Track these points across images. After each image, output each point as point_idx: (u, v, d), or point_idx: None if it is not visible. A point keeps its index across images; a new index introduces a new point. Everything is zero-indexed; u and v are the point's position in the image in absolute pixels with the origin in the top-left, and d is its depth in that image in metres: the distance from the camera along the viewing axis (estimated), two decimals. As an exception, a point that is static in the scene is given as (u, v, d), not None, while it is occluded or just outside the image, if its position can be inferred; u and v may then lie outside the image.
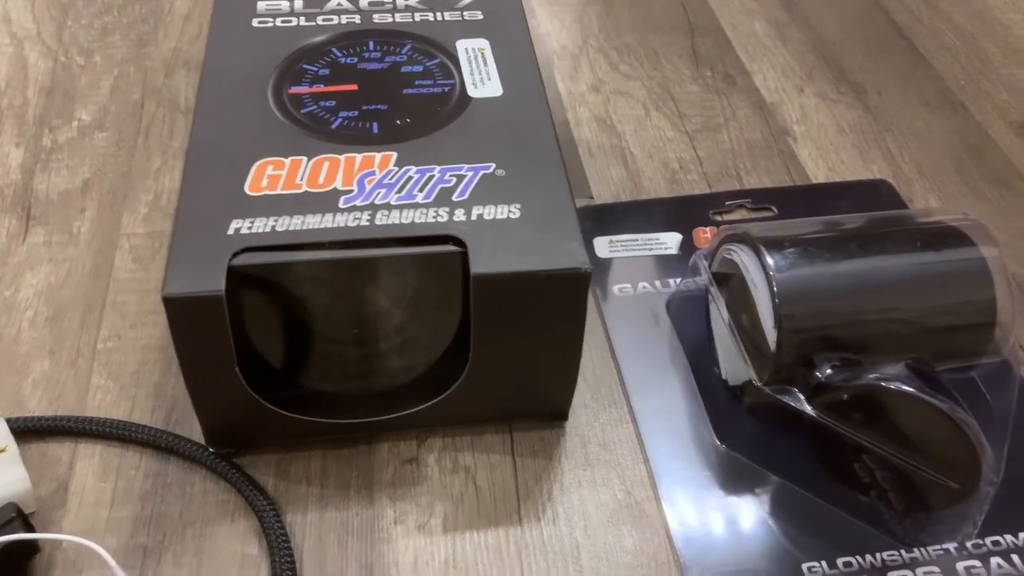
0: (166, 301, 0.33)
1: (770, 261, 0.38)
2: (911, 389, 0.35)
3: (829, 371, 0.36)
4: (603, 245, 0.49)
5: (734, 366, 0.40)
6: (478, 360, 0.36)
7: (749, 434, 0.40)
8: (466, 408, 0.39)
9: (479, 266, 0.34)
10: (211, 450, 0.39)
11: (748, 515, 0.38)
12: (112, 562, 0.34)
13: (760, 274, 0.38)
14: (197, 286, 0.33)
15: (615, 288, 0.47)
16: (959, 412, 0.35)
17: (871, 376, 0.36)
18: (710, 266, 0.42)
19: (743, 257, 0.39)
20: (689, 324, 0.45)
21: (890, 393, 0.35)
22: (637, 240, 0.49)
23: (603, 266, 0.48)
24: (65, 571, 0.35)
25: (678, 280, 0.47)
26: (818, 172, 0.54)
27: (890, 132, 0.57)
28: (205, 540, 0.37)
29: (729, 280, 0.41)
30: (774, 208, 0.51)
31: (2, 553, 0.34)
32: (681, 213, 0.51)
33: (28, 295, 0.46)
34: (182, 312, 0.33)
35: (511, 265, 0.34)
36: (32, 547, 0.35)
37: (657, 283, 0.47)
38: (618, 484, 0.39)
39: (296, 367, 0.38)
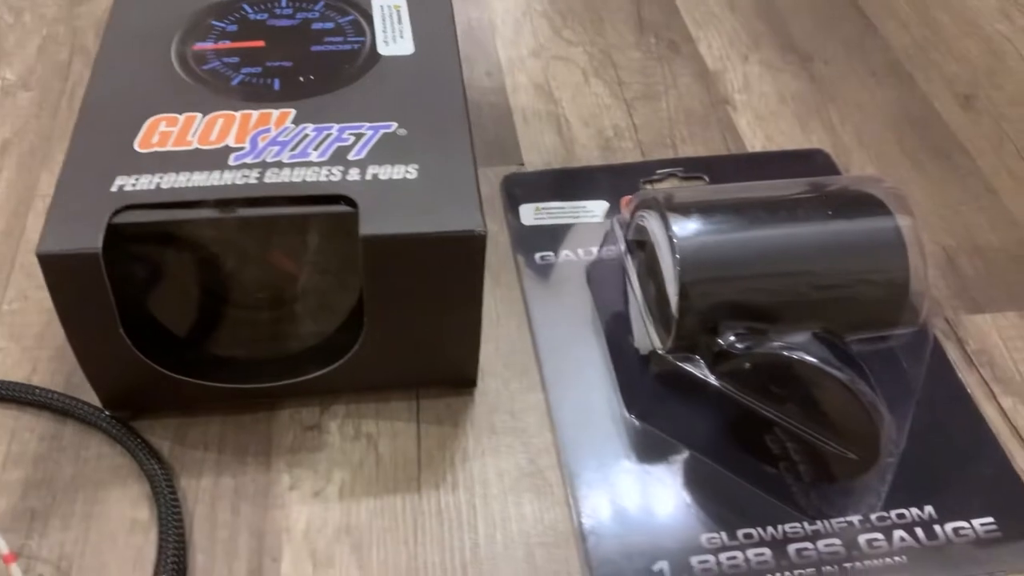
0: (41, 259, 0.32)
1: (675, 227, 0.37)
2: (811, 359, 0.34)
3: (732, 339, 0.36)
4: (529, 212, 0.48)
5: (643, 334, 0.40)
6: (373, 324, 0.36)
7: (658, 404, 0.40)
8: (369, 374, 0.38)
9: (369, 227, 0.33)
10: (107, 413, 0.38)
11: (651, 485, 0.37)
12: (-12, 524, 0.33)
13: (666, 240, 0.37)
14: (74, 244, 0.32)
15: (537, 256, 0.46)
16: (859, 383, 0.34)
17: (773, 344, 0.35)
18: (625, 233, 0.41)
19: (652, 223, 0.38)
20: (607, 293, 0.44)
21: (790, 362, 0.34)
22: (564, 208, 0.48)
23: (527, 233, 0.47)
24: (-53, 533, 0.35)
25: (601, 248, 0.46)
26: (755, 142, 0.53)
27: (833, 102, 0.56)
28: (96, 504, 0.36)
29: (642, 247, 0.40)
30: (706, 177, 0.50)
31: None
32: (611, 181, 0.50)
33: (-64, 255, 0.45)
34: (59, 270, 0.32)
35: (403, 227, 0.33)
36: (-87, 509, 0.35)
37: (580, 251, 0.46)
38: (522, 452, 0.39)
39: (193, 331, 0.38)
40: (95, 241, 0.32)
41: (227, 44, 0.40)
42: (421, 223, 0.33)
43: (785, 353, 0.34)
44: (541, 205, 0.48)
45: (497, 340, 0.43)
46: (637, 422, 0.39)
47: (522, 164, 0.51)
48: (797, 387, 0.35)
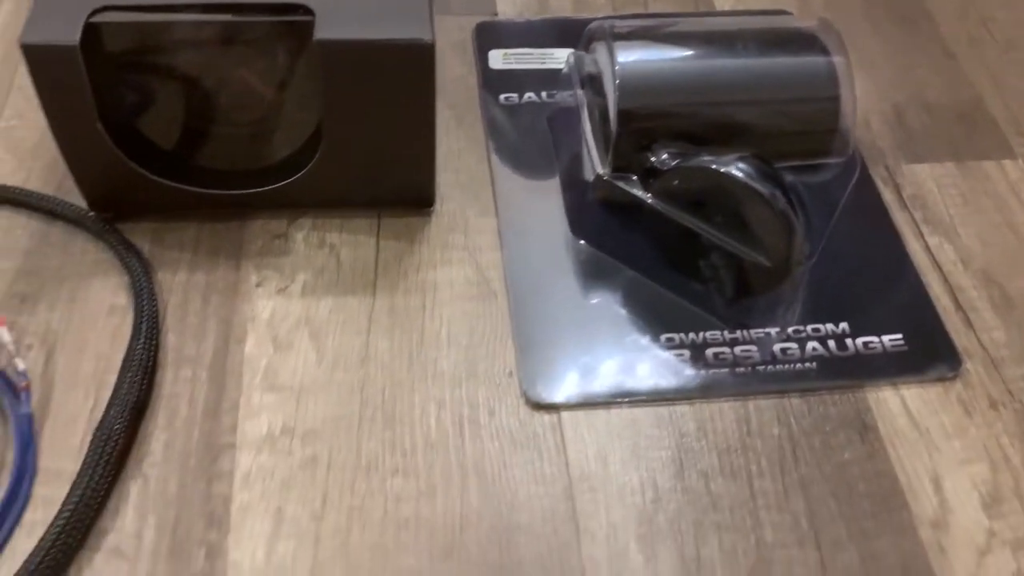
0: (24, 48, 0.35)
1: (618, 54, 0.39)
2: (734, 171, 0.37)
3: (664, 156, 0.38)
4: (497, 57, 0.50)
5: (593, 163, 0.42)
6: (331, 134, 0.38)
7: (602, 228, 0.42)
8: (330, 187, 0.41)
9: (323, 32, 0.36)
10: (92, 214, 0.42)
11: (587, 296, 0.40)
12: (-19, 293, 0.37)
13: (610, 66, 0.39)
14: (54, 36, 0.35)
15: (502, 97, 0.48)
16: (778, 197, 0.36)
17: (702, 158, 0.38)
18: (582, 68, 0.44)
19: (600, 52, 0.41)
20: (563, 133, 0.46)
21: (714, 174, 0.37)
22: (531, 54, 0.51)
23: (494, 76, 0.49)
24: (-53, 308, 0.39)
25: (563, 93, 0.48)
26: (725, 2, 0.55)
27: (806, -33, 0.57)
28: (79, 291, 0.40)
29: (593, 80, 0.42)
30: (672, 31, 0.52)
31: None
32: (578, 32, 0.51)
33: (-61, 77, 0.48)
34: (41, 61, 0.35)
35: (355, 33, 0.36)
36: (-84, 284, 0.38)
37: (543, 94, 0.49)
38: (472, 266, 0.42)
39: (170, 139, 0.41)
40: (73, 36, 0.35)
41: None
42: (373, 31, 0.36)
43: (711, 166, 0.37)
44: (509, 51, 0.50)
45: (458, 171, 0.45)
46: (581, 243, 0.42)
47: (495, 14, 0.53)
48: (720, 199, 0.37)
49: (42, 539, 0.32)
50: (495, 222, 0.44)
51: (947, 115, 0.49)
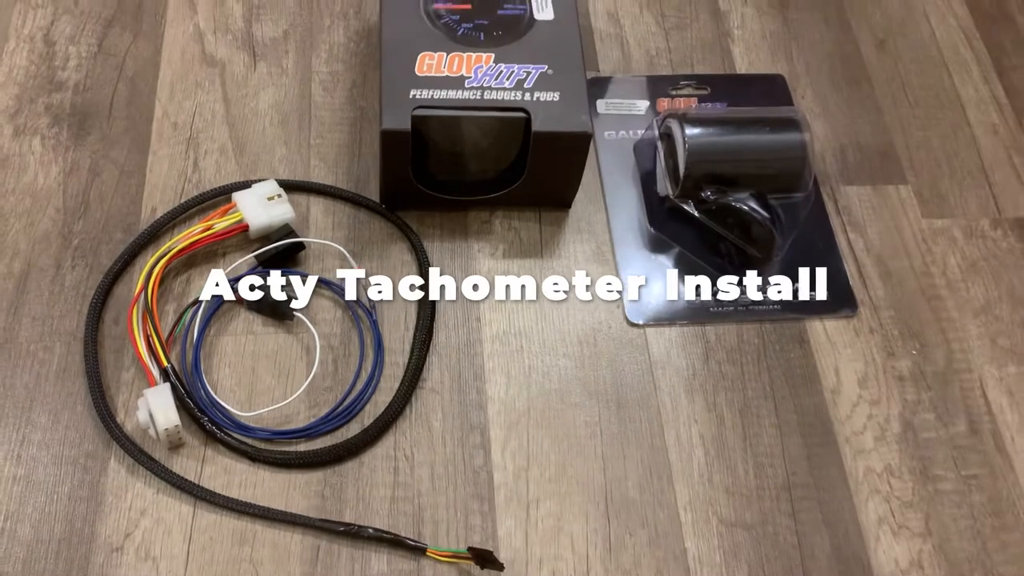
0: (383, 132, 0.66)
1: (687, 131, 0.70)
2: (745, 206, 0.69)
3: (708, 194, 0.70)
4: (602, 105, 0.81)
5: (663, 186, 0.74)
6: (529, 174, 0.70)
7: (668, 223, 0.75)
8: (518, 198, 0.73)
9: (536, 126, 0.67)
10: (383, 206, 0.73)
11: (658, 262, 0.73)
12: (346, 252, 0.69)
13: (681, 138, 0.71)
14: (398, 125, 0.66)
15: (605, 134, 0.80)
16: (767, 220, 0.69)
17: (728, 197, 0.70)
18: (659, 128, 0.75)
19: (675, 126, 0.72)
20: (645, 159, 0.78)
21: (735, 207, 0.70)
22: (622, 103, 0.81)
23: (600, 119, 0.80)
24: (315, 260, 0.71)
25: (642, 131, 0.79)
26: (743, 65, 0.85)
27: (795, 40, 0.87)
28: (384, 251, 0.72)
29: (667, 138, 0.74)
30: (708, 88, 0.83)
31: (287, 249, 0.69)
32: (651, 87, 0.82)
33: (264, 107, 0.78)
34: (390, 138, 0.66)
35: (552, 127, 0.67)
36: (300, 247, 0.70)
37: (631, 132, 0.80)
38: (593, 243, 0.74)
39: (431, 166, 0.72)
40: (407, 124, 0.66)
41: (450, 5, 0.71)
42: (561, 125, 0.67)
43: (733, 203, 0.69)
44: (609, 100, 0.81)
45: (582, 183, 0.77)
46: (655, 232, 0.75)
47: (598, 71, 0.83)
48: (738, 219, 0.70)
49: (400, 383, 0.66)
50: (604, 216, 0.76)
51: (871, 153, 0.81)
